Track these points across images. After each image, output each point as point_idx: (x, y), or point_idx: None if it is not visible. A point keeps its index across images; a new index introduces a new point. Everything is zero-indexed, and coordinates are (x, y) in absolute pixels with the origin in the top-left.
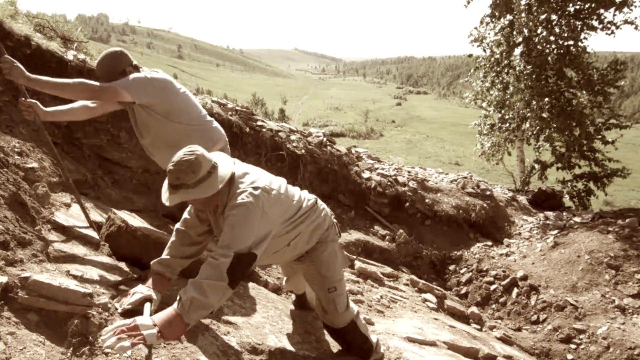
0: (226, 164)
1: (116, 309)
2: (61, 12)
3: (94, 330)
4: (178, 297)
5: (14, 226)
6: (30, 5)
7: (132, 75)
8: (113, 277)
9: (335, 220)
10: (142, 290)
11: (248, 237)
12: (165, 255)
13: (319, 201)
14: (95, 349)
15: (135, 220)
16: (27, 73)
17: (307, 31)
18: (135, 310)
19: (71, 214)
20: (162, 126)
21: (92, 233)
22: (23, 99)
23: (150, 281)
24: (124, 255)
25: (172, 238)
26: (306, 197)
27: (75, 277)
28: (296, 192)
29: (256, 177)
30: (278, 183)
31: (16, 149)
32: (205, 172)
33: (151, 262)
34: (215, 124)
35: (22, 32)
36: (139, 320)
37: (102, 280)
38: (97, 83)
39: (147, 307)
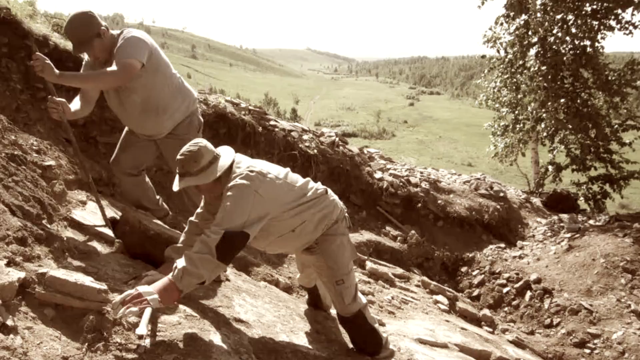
0: (228, 155)
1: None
2: None
3: (108, 326)
4: (174, 267)
5: (32, 223)
6: (48, 6)
7: (125, 44)
8: (127, 274)
9: (347, 214)
10: (155, 276)
11: (239, 217)
12: (179, 242)
13: (330, 192)
14: (109, 344)
15: (148, 219)
16: (56, 70)
17: (320, 31)
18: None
19: (87, 212)
20: (150, 85)
21: (107, 231)
22: (51, 96)
23: (163, 266)
24: (136, 253)
25: (186, 228)
26: (315, 186)
27: (90, 273)
28: (300, 180)
29: (252, 163)
30: (277, 170)
31: (34, 147)
32: (206, 162)
33: (166, 249)
34: (187, 83)
35: (41, 32)
36: (141, 289)
37: (117, 277)
38: (115, 68)
39: (148, 311)
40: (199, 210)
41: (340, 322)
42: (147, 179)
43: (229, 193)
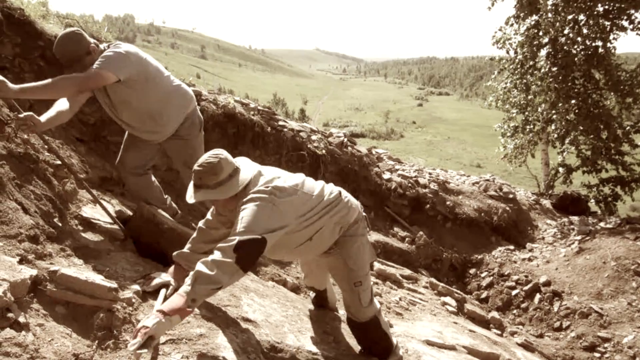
0: (248, 169)
1: (139, 295)
2: (89, 13)
3: (118, 324)
4: (187, 279)
5: (44, 221)
6: (60, 6)
7: (106, 55)
8: (137, 273)
9: (365, 214)
10: (162, 277)
11: (256, 227)
12: (185, 249)
13: (344, 193)
14: (119, 342)
15: (161, 213)
16: (12, 85)
17: (329, 31)
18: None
19: (97, 210)
20: (142, 96)
21: (117, 229)
22: (15, 113)
23: (171, 269)
24: (149, 247)
25: (194, 235)
26: (330, 190)
27: (101, 271)
28: (317, 186)
29: (270, 178)
30: (294, 181)
31: (46, 146)
32: (226, 175)
33: (173, 253)
34: (183, 84)
35: (53, 32)
36: (144, 321)
37: (127, 275)
38: (79, 75)
39: (162, 292)
40: (208, 216)
41: (351, 327)
42: (154, 178)
43: (243, 206)
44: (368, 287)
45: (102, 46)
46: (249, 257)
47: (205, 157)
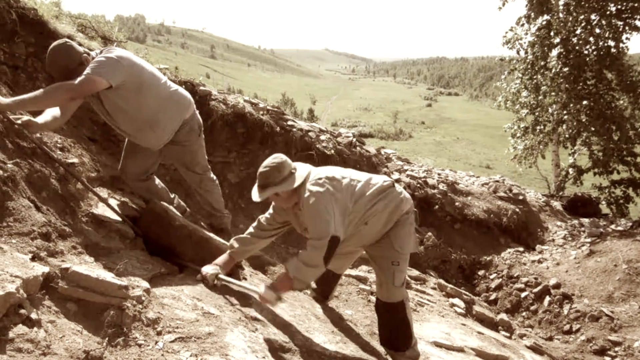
0: (303, 169)
1: (149, 293)
2: (101, 13)
3: (128, 322)
4: (289, 268)
5: (56, 219)
6: (72, 6)
7: (98, 60)
8: (147, 271)
9: (416, 210)
10: (209, 270)
11: (329, 222)
12: (246, 234)
13: (397, 185)
14: (129, 339)
15: (174, 210)
16: (3, 99)
17: (338, 31)
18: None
19: (108, 209)
20: (137, 104)
21: (127, 227)
22: (13, 118)
23: (221, 258)
24: (159, 242)
25: (255, 224)
26: (383, 178)
27: (111, 269)
28: (364, 175)
29: (319, 171)
30: (341, 172)
31: (58, 145)
32: (287, 173)
33: (231, 240)
34: (180, 89)
35: (66, 32)
36: (263, 293)
37: (137, 273)
38: (70, 82)
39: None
40: (267, 215)
41: (378, 309)
42: (158, 181)
43: (308, 203)
44: (403, 270)
45: (93, 53)
46: (330, 256)
47: (269, 161)
